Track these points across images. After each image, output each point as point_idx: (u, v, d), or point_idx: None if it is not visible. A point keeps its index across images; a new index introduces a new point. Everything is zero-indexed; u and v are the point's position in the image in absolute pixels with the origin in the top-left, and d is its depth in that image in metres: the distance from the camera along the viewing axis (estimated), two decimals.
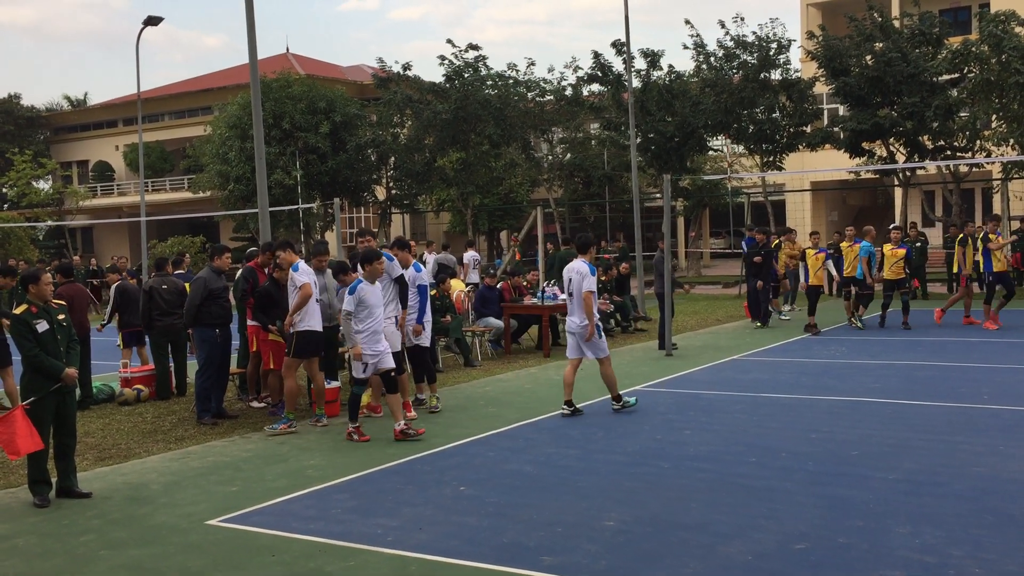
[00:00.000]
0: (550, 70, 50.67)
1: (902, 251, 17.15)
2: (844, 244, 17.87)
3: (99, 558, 6.06)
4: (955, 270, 17.68)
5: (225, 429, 10.14)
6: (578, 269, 10.10)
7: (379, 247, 12.24)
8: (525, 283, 16.92)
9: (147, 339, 12.93)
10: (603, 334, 10.30)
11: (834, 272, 18.38)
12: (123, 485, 7.89)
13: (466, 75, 33.45)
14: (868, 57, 27.00)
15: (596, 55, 31.64)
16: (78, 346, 7.88)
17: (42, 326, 7.42)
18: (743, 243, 19.27)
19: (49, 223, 45.81)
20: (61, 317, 7.64)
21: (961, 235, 17.64)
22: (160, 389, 12.31)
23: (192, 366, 11.80)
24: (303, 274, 9.89)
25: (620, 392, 10.37)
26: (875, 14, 27.92)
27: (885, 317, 17.47)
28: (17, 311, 7.51)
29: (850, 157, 28.47)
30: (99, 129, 57.05)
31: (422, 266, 11.59)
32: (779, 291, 20.37)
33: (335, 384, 10.82)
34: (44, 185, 51.01)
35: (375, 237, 11.36)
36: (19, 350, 7.46)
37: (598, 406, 10.57)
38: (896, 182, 30.28)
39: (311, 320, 9.89)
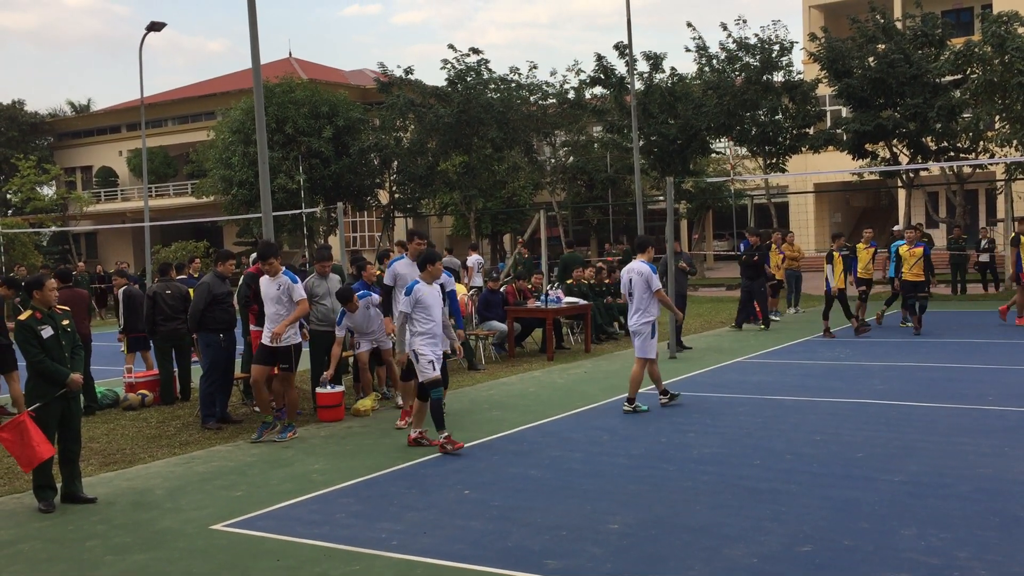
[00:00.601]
0: (552, 73, 50.71)
1: (919, 250, 16.42)
2: (860, 245, 17.45)
3: (104, 563, 6.07)
4: (1013, 270, 17.24)
5: (229, 434, 10.14)
6: (639, 270, 10.33)
7: (386, 250, 12.26)
8: (529, 286, 16.92)
9: (151, 344, 12.96)
10: (655, 336, 10.41)
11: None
12: (128, 490, 7.90)
13: (468, 79, 33.49)
14: (871, 59, 27.01)
15: (599, 58, 31.69)
16: (82, 351, 7.90)
17: (47, 332, 7.44)
18: (740, 245, 19.27)
19: (53, 229, 45.89)
20: (66, 323, 7.66)
21: (1014, 234, 17.28)
22: (164, 394, 12.33)
23: (196, 371, 11.82)
24: (302, 288, 9.85)
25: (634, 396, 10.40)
26: (877, 15, 27.94)
27: (920, 320, 16.36)
28: (22, 317, 7.52)
29: (853, 159, 28.47)
30: (103, 135, 57.17)
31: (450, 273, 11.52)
32: (777, 292, 20.35)
33: (339, 388, 10.81)
34: (48, 191, 51.12)
35: (427, 238, 11.16)
36: (24, 356, 7.47)
37: (601, 408, 10.57)
38: (899, 183, 30.26)
39: (298, 332, 9.92)
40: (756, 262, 18.10)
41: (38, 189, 48.59)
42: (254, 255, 12.47)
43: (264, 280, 9.80)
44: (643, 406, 10.35)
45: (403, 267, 10.17)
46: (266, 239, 10.91)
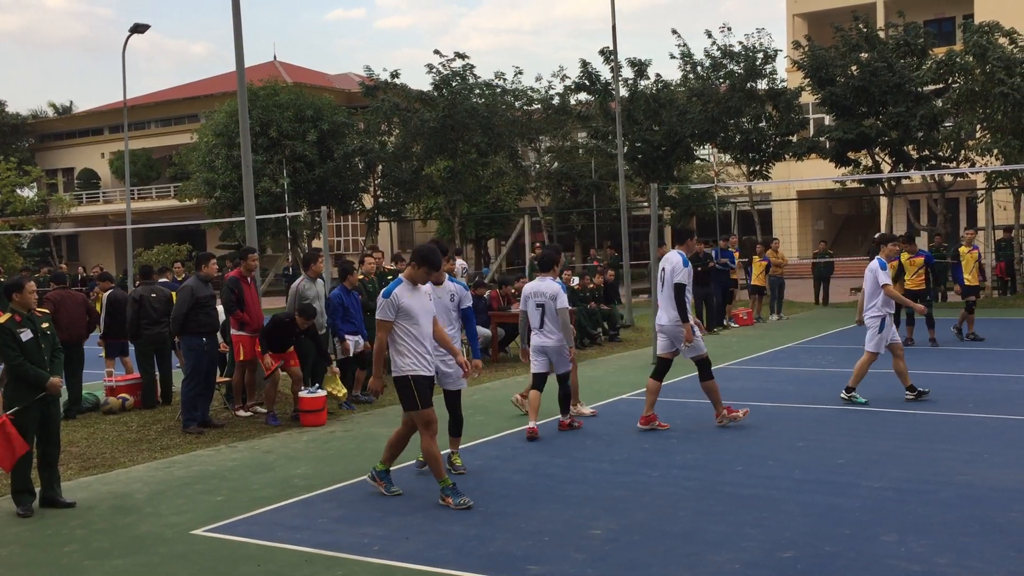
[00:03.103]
0: (538, 79, 50.67)
1: (920, 259, 15.83)
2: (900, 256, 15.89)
3: (83, 568, 6.01)
4: None
5: (211, 438, 10.08)
6: (871, 267, 10.82)
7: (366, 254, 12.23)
8: (512, 291, 16.90)
9: (131, 348, 12.87)
10: (884, 329, 10.65)
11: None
12: (107, 495, 7.83)
13: (454, 84, 33.47)
14: (854, 67, 27.17)
15: (584, 64, 31.76)
16: (62, 355, 7.84)
17: (26, 335, 7.38)
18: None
19: (34, 231, 45.52)
20: (45, 326, 7.60)
21: None
22: (145, 398, 12.24)
23: (177, 375, 11.75)
24: None
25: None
26: (860, 24, 28.12)
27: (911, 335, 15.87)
28: (0, 320, 7.46)
29: (836, 167, 28.63)
30: (85, 136, 56.85)
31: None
32: (732, 299, 20.54)
33: (322, 393, 10.77)
34: (29, 193, 50.74)
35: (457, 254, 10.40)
36: (3, 359, 7.40)
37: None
38: (881, 191, 30.45)
39: None
40: (701, 271, 18.44)
41: (18, 191, 48.21)
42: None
43: (407, 286, 7.16)
44: (860, 398, 10.59)
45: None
46: (430, 243, 8.31)
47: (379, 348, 7.06)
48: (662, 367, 9.79)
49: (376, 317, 7.01)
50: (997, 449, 8.29)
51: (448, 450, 8.06)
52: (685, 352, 9.62)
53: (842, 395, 10.74)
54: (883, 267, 10.78)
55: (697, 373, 9.76)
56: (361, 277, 12.77)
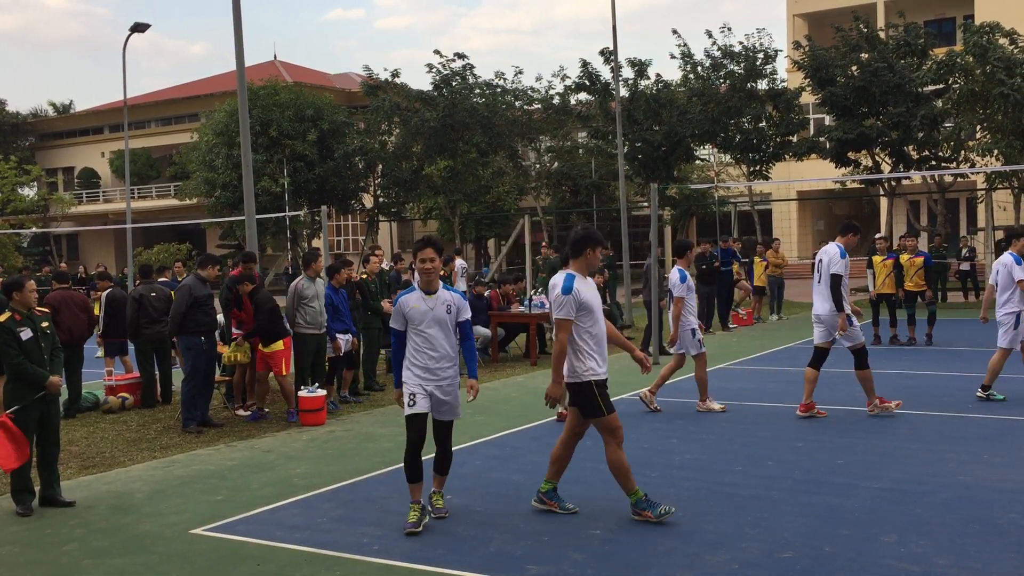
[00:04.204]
0: (538, 79, 50.70)
1: (920, 259, 16.06)
2: (877, 259, 16.35)
3: (82, 568, 6.01)
4: None
5: (210, 437, 10.08)
6: (1004, 261, 10.68)
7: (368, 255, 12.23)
8: (513, 291, 16.90)
9: (131, 347, 12.87)
10: (1019, 326, 10.57)
11: (871, 287, 16.58)
12: (107, 494, 7.83)
13: (454, 84, 33.49)
14: (854, 67, 27.19)
15: (584, 64, 31.78)
16: (61, 354, 7.84)
17: (26, 334, 7.37)
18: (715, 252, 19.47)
19: (34, 230, 45.54)
20: (45, 325, 7.60)
21: None
22: (145, 397, 12.25)
23: (177, 374, 11.75)
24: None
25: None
26: (861, 25, 28.13)
27: (909, 332, 16.13)
28: (0, 319, 7.45)
29: (836, 167, 28.64)
30: (85, 136, 56.87)
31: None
32: (732, 302, 20.49)
33: (321, 392, 10.77)
34: (29, 192, 50.74)
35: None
36: (2, 358, 7.40)
37: None
38: (881, 192, 30.45)
39: None
40: (706, 270, 18.44)
41: (19, 190, 48.21)
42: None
43: (580, 278, 6.61)
44: (998, 395, 10.57)
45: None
46: (577, 228, 7.25)
47: (560, 351, 6.47)
48: (819, 356, 10.12)
49: (556, 317, 6.47)
50: (997, 450, 8.29)
51: (431, 488, 6.94)
52: (842, 340, 9.98)
53: (978, 393, 10.66)
54: (1018, 262, 10.59)
55: (854, 362, 10.10)
56: (364, 276, 12.78)
